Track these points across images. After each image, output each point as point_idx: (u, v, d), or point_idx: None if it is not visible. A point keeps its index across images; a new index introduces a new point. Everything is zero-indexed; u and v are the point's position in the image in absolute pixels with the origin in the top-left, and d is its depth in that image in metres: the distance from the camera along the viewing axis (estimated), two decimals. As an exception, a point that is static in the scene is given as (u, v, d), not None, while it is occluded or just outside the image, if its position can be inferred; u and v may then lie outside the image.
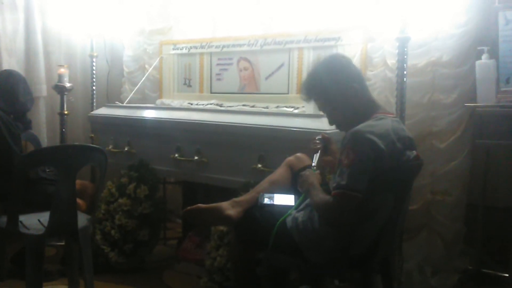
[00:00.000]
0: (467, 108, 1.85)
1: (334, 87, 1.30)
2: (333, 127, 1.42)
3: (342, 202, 1.18)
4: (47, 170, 2.03)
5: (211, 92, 2.48)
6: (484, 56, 1.78)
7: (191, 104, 2.45)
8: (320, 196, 1.26)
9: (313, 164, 1.40)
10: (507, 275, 1.84)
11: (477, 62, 1.79)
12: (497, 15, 1.76)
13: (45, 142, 2.69)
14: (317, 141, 1.43)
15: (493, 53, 1.77)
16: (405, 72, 1.78)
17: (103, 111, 2.46)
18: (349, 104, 1.31)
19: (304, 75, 2.12)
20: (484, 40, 1.82)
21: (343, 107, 1.31)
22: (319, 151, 1.41)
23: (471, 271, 1.94)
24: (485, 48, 1.77)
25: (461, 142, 1.90)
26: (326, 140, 1.43)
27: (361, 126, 1.22)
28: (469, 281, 1.91)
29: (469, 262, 1.95)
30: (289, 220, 1.35)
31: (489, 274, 1.91)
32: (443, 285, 1.89)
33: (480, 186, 1.94)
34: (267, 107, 2.16)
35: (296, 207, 1.39)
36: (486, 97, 1.76)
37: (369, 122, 1.24)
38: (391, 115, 1.32)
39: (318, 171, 1.40)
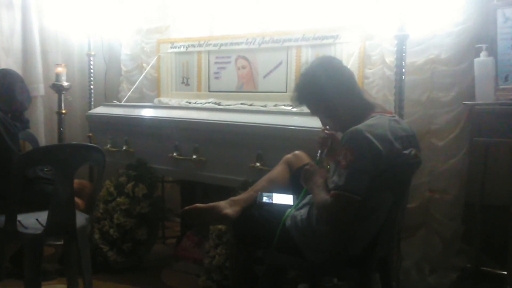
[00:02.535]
0: (465, 106, 1.84)
1: (324, 92, 1.29)
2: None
3: (339, 203, 1.17)
4: (45, 169, 2.02)
5: (209, 91, 2.48)
6: (482, 54, 1.77)
7: (189, 102, 2.45)
8: (322, 195, 1.25)
9: (318, 157, 1.38)
10: (505, 273, 1.84)
11: (476, 60, 1.79)
12: (495, 13, 1.76)
13: (43, 141, 2.68)
14: (326, 137, 1.40)
15: (492, 51, 1.77)
16: (403, 70, 1.77)
17: (101, 110, 2.45)
18: (342, 107, 1.30)
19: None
20: (482, 38, 1.82)
21: (335, 111, 1.31)
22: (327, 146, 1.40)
23: (469, 269, 1.94)
24: (484, 46, 1.77)
25: (459, 140, 1.90)
26: (332, 136, 1.42)
27: (358, 127, 1.21)
28: (467, 279, 1.91)
29: (467, 260, 1.96)
30: (288, 219, 1.35)
31: (487, 272, 1.91)
32: (441, 283, 1.90)
33: (478, 184, 1.94)
34: (265, 106, 2.15)
35: (296, 206, 1.38)
36: (484, 95, 1.75)
37: (366, 123, 1.23)
38: (389, 114, 1.31)
39: (322, 166, 1.39)
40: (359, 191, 1.16)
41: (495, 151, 1.93)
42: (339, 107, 1.30)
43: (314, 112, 1.38)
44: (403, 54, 1.76)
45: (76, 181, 1.71)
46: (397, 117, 1.34)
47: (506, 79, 1.75)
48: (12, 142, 1.89)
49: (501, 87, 1.75)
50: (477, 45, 1.80)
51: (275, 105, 2.13)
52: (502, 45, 1.75)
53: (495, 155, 1.94)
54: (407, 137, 1.27)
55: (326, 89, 1.29)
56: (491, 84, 1.75)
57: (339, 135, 1.37)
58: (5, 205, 1.56)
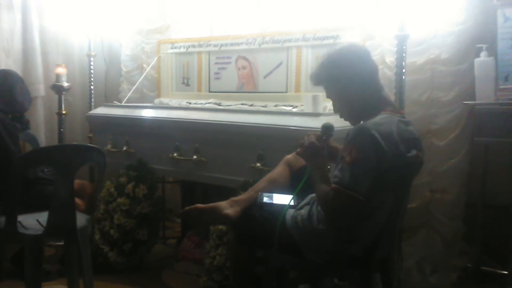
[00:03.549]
0: (466, 106, 1.84)
1: (345, 77, 1.28)
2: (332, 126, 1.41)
3: (340, 200, 1.16)
4: (46, 170, 2.02)
5: (209, 91, 2.48)
6: (482, 54, 1.78)
7: (190, 103, 2.44)
8: (323, 186, 1.23)
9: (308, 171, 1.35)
10: (506, 272, 1.84)
11: (476, 60, 1.79)
12: (495, 13, 1.76)
13: (43, 142, 2.68)
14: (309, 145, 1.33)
15: (492, 51, 1.77)
16: (403, 70, 1.78)
17: (101, 110, 2.45)
18: (358, 96, 1.28)
19: (303, 73, 2.13)
20: (482, 38, 1.82)
21: (351, 98, 1.29)
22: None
23: (470, 269, 1.94)
24: (484, 46, 1.77)
25: (460, 140, 1.90)
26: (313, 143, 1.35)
27: (367, 124, 1.20)
28: (468, 279, 1.92)
29: (468, 260, 1.96)
30: (288, 219, 1.35)
31: (488, 272, 1.92)
32: (443, 283, 1.90)
33: (479, 184, 1.94)
34: (265, 106, 2.15)
35: (290, 200, 1.37)
36: (485, 95, 1.76)
37: (376, 120, 1.22)
38: (399, 114, 1.30)
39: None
40: (361, 190, 1.16)
41: (495, 150, 1.93)
42: (354, 95, 1.29)
43: (328, 95, 1.36)
44: (404, 54, 1.76)
45: (76, 181, 1.71)
46: (406, 119, 1.32)
47: (506, 79, 1.75)
48: (12, 143, 1.88)
49: (501, 87, 1.75)
50: (477, 45, 1.80)
51: (276, 106, 2.13)
52: (502, 45, 1.75)
53: (496, 154, 1.94)
54: (412, 140, 1.26)
55: (345, 74, 1.28)
56: (491, 84, 1.75)
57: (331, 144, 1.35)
58: (6, 206, 1.56)
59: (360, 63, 1.30)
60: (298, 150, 1.35)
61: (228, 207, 1.42)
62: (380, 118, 1.23)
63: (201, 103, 2.38)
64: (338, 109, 1.36)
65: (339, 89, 1.31)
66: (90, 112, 2.55)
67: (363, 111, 1.27)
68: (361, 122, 1.27)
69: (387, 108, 1.29)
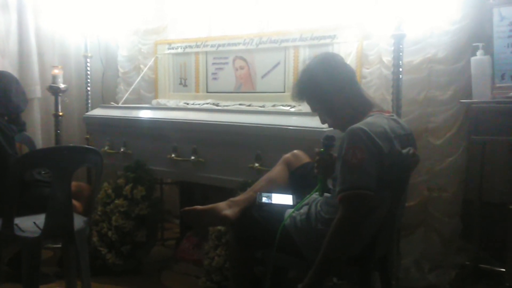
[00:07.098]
0: (462, 105, 1.85)
1: (325, 87, 1.29)
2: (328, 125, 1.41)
3: (358, 203, 1.14)
4: (43, 172, 2.01)
5: (207, 92, 2.48)
6: (479, 52, 1.78)
7: (187, 104, 2.44)
8: (327, 238, 1.17)
9: (320, 183, 1.33)
10: (504, 270, 1.85)
11: (472, 59, 1.80)
12: (491, 11, 1.76)
13: (40, 144, 2.66)
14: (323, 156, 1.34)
15: (488, 49, 1.78)
16: (400, 69, 1.78)
17: (98, 112, 2.44)
18: (341, 103, 1.30)
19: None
20: (479, 37, 1.83)
21: (335, 107, 1.30)
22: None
23: (468, 266, 1.95)
24: (480, 45, 1.78)
25: (457, 138, 1.91)
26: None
27: (359, 124, 1.20)
28: (466, 276, 1.92)
29: (466, 258, 1.96)
30: (287, 219, 1.35)
31: (486, 270, 1.92)
32: (441, 281, 1.90)
33: (476, 182, 1.95)
34: (263, 106, 2.16)
35: (297, 208, 1.38)
36: (481, 93, 1.76)
37: (366, 121, 1.23)
38: (387, 113, 1.31)
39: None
40: (372, 186, 1.15)
41: (492, 148, 1.94)
42: (338, 103, 1.30)
43: (313, 108, 1.37)
44: (400, 53, 1.77)
45: (74, 183, 1.71)
46: (395, 116, 1.35)
47: (502, 77, 1.76)
48: (9, 145, 1.87)
49: (498, 85, 1.76)
50: (473, 44, 1.81)
51: (274, 105, 2.13)
52: (498, 43, 1.75)
53: (493, 152, 1.95)
54: (405, 136, 1.28)
55: (325, 84, 1.29)
56: (487, 83, 1.76)
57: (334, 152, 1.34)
58: (2, 208, 1.55)
59: (336, 71, 1.31)
60: (315, 170, 1.35)
61: (226, 207, 1.42)
62: (369, 118, 1.24)
63: (198, 104, 2.38)
64: (325, 120, 1.37)
65: (322, 101, 1.32)
66: (87, 113, 2.54)
67: (350, 117, 1.28)
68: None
69: (372, 109, 1.30)
